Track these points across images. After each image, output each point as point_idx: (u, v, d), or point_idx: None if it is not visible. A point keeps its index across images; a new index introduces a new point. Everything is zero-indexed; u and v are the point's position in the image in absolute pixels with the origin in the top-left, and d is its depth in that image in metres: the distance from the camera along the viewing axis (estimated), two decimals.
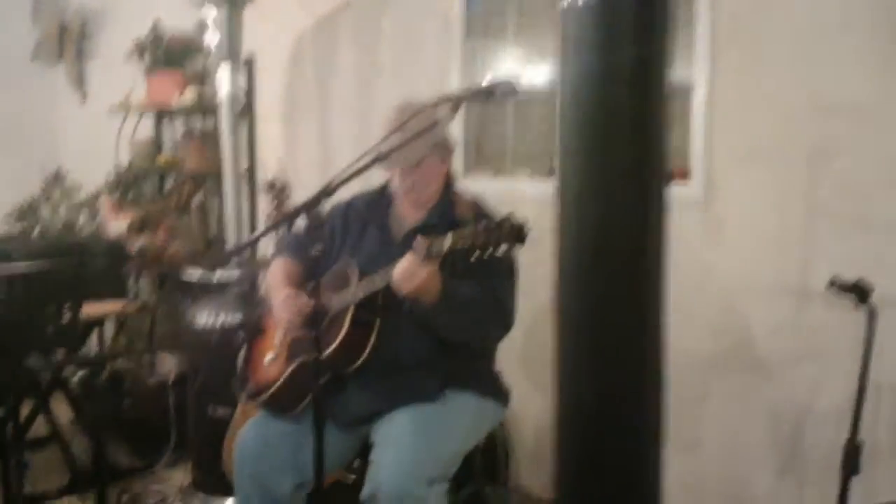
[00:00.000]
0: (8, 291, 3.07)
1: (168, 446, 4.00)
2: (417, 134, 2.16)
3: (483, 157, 3.76)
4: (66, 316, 3.24)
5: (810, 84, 2.74)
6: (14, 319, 3.11)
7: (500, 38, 3.60)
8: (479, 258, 2.11)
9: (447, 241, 2.14)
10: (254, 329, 2.61)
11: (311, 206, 1.87)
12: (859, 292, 2.51)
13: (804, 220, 2.80)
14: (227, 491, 3.48)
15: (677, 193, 2.95)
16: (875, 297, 2.47)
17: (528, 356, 3.42)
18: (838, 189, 2.75)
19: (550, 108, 3.44)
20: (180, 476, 3.85)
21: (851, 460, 2.50)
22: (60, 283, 3.30)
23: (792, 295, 2.84)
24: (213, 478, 3.54)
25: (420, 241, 2.19)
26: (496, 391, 2.62)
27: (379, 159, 2.04)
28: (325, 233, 2.57)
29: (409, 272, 2.20)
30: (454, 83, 3.61)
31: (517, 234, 2.07)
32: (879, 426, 2.68)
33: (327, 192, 1.91)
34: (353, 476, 2.75)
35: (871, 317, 2.48)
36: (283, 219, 1.88)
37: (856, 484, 2.50)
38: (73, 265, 3.45)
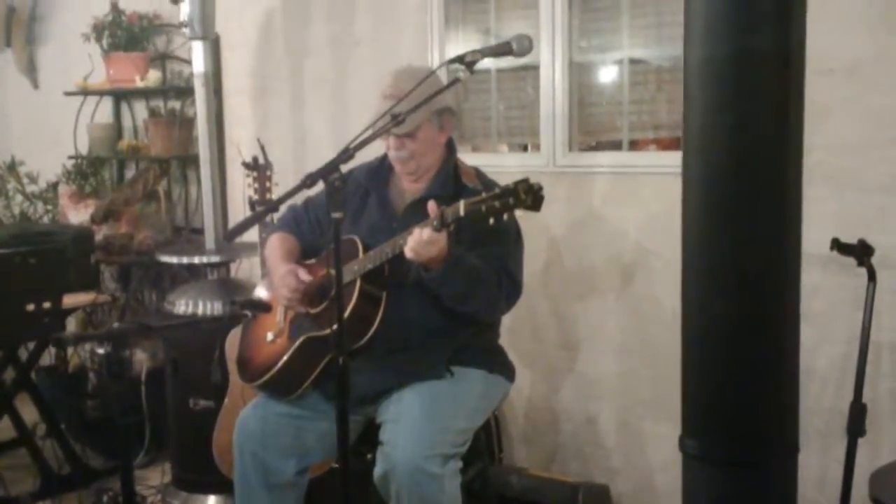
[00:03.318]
0: None
1: (142, 446, 3.86)
2: (413, 100, 2.08)
3: (461, 132, 3.70)
4: (46, 306, 3.06)
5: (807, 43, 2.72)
6: None
7: (481, 8, 3.53)
8: (493, 224, 2.05)
9: (461, 207, 2.07)
10: (255, 308, 2.50)
11: (329, 170, 1.77)
12: (861, 252, 2.52)
13: None
14: (210, 488, 3.37)
15: (673, 161, 2.98)
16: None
17: (516, 333, 3.37)
18: (833, 149, 2.74)
19: (526, 83, 3.41)
20: (156, 476, 3.70)
21: (857, 422, 2.49)
22: (37, 271, 3.13)
23: None
24: (195, 475, 3.41)
25: (433, 208, 2.12)
26: (503, 366, 2.58)
27: (391, 125, 1.96)
28: (345, 197, 2.49)
29: (422, 241, 2.12)
30: (434, 57, 3.53)
31: (534, 197, 2.02)
32: (880, 387, 2.69)
33: (344, 156, 1.82)
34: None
35: (872, 276, 2.48)
36: (303, 183, 1.78)
37: (861, 444, 2.50)
38: (54, 250, 3.27)
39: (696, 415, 1.87)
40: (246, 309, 2.43)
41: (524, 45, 1.96)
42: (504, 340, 2.69)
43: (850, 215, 2.69)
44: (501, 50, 1.97)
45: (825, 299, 2.79)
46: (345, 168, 2.46)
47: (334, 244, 1.78)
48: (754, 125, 1.76)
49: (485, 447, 2.68)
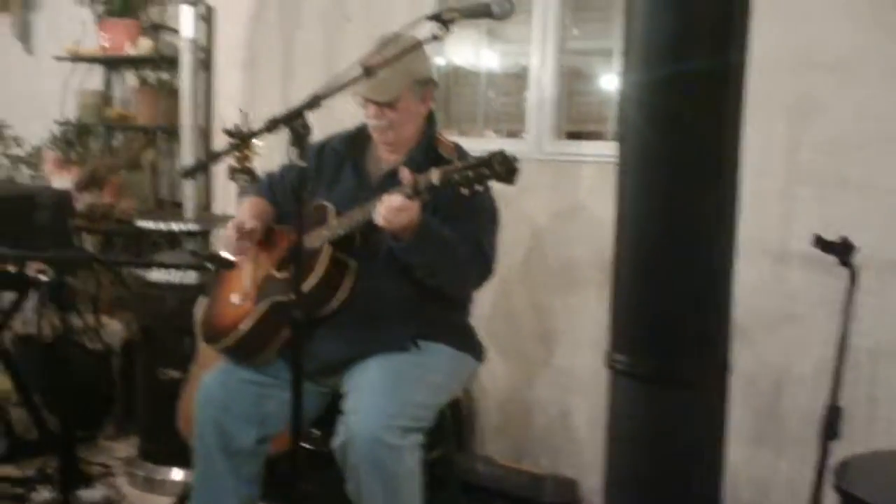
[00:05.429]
0: None
1: (111, 417, 3.81)
2: (395, 66, 2.04)
3: (450, 117, 3.66)
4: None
5: (795, 39, 2.69)
6: None
7: None
8: (466, 195, 2.01)
9: (434, 175, 2.04)
10: (216, 262, 2.46)
11: (293, 116, 1.72)
12: (843, 250, 2.46)
13: (784, 180, 2.75)
14: (177, 461, 3.30)
15: None
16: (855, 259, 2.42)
17: (495, 323, 3.32)
18: (819, 148, 2.70)
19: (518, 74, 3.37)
20: (124, 448, 3.65)
21: (831, 425, 2.44)
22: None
23: (771, 256, 2.79)
24: (163, 447, 3.36)
25: (406, 175, 2.08)
26: (471, 344, 2.52)
27: (360, 77, 1.92)
28: (322, 165, 2.45)
29: (393, 207, 2.08)
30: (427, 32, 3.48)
31: (508, 169, 1.99)
32: (857, 390, 2.64)
33: (311, 104, 1.77)
34: (318, 433, 2.62)
35: (853, 276, 2.43)
36: (266, 127, 1.73)
37: (834, 449, 2.45)
38: (20, 210, 3.21)
39: (624, 330, 1.85)
40: (207, 262, 2.38)
41: (505, 8, 1.91)
42: (480, 329, 2.62)
43: (835, 215, 2.64)
44: (479, 11, 1.92)
45: (806, 300, 2.74)
46: (322, 138, 2.48)
47: (298, 195, 1.73)
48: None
49: (451, 430, 2.63)
